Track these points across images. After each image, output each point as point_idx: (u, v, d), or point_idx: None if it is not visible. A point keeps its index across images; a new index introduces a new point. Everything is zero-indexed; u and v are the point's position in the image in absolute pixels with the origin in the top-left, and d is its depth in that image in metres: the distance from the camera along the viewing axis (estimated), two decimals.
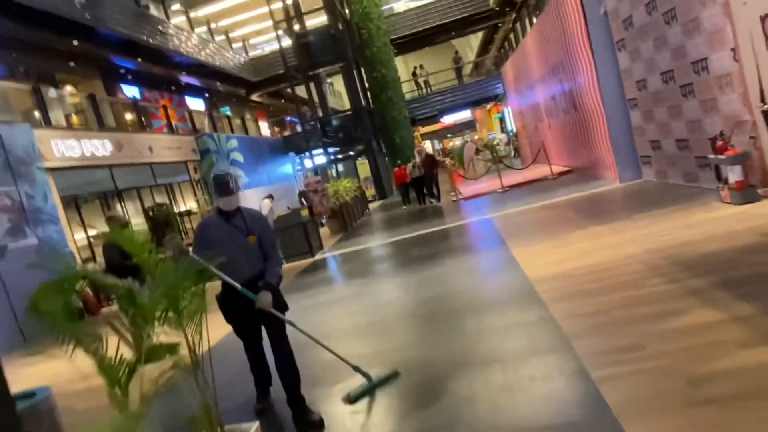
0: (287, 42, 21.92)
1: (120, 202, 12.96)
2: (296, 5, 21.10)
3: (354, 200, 14.80)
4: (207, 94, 24.48)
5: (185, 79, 21.60)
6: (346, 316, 5.50)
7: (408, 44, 25.65)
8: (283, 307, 3.31)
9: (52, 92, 13.06)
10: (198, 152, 16.98)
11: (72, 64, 15.45)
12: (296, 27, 20.99)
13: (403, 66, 37.30)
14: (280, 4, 20.52)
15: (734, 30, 5.28)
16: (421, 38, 25.25)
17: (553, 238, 6.28)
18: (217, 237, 3.15)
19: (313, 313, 5.85)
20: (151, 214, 13.42)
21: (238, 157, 19.29)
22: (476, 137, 43.78)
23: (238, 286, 3.10)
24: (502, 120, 30.56)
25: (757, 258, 3.87)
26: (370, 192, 20.29)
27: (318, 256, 9.94)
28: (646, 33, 7.34)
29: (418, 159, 12.72)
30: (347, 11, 22.49)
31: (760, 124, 5.26)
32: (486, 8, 23.46)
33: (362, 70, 22.73)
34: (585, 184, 10.27)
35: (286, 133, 26.91)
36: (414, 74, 27.86)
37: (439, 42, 26.75)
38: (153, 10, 18.93)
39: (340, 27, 20.24)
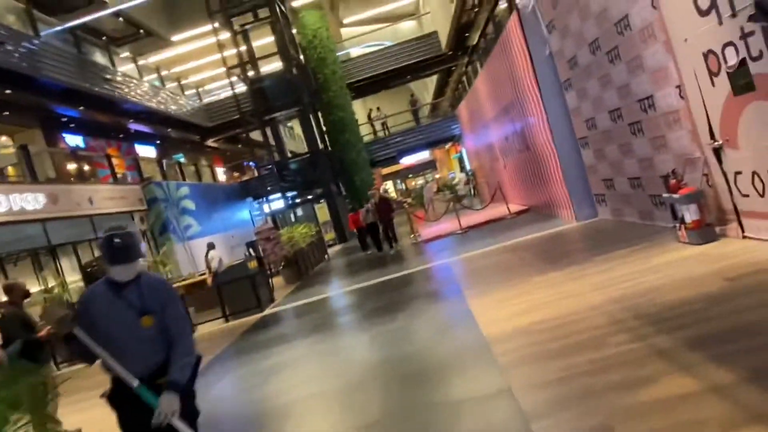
0: (242, 87, 21.72)
1: (54, 259, 11.95)
2: (250, 51, 21.01)
3: (311, 246, 14.23)
4: (159, 141, 23.73)
5: (134, 126, 20.88)
6: (289, 383, 4.89)
7: (365, 88, 25.83)
8: (193, 415, 2.48)
9: None
10: (145, 202, 16.14)
11: (6, 113, 14.55)
12: (251, 73, 20.83)
13: (362, 109, 37.80)
14: (233, 51, 20.35)
15: (678, 67, 5.20)
16: (378, 82, 25.50)
17: (512, 285, 5.91)
18: (100, 315, 2.37)
19: (257, 379, 5.22)
20: (88, 270, 12.46)
21: (190, 204, 18.50)
22: (437, 176, 44.45)
23: (134, 382, 2.31)
24: (460, 159, 30.93)
25: (725, 307, 3.56)
26: (330, 236, 19.75)
27: (268, 311, 9.25)
28: (591, 72, 7.32)
29: (372, 202, 12.25)
30: (302, 57, 22.55)
31: (711, 161, 5.12)
32: (439, 53, 24.01)
33: (319, 113, 22.65)
34: (542, 223, 10.10)
35: (246, 178, 26.25)
36: (369, 116, 28.03)
37: (395, 85, 27.10)
38: (99, 58, 18.36)
39: (295, 72, 20.17)
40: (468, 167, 26.48)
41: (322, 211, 20.30)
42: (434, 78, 31.07)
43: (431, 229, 14.22)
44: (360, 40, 27.29)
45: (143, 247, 2.42)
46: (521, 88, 10.08)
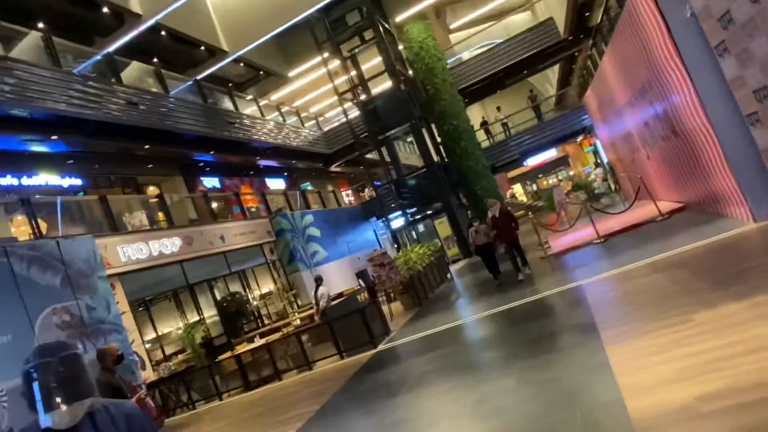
0: (356, 111, 22.05)
1: (192, 296, 12.82)
2: (360, 75, 21.22)
3: (430, 267, 13.46)
4: (286, 173, 25.06)
5: (263, 162, 22.25)
6: None
7: (478, 91, 24.58)
8: None
9: (117, 199, 13.65)
10: (273, 233, 16.87)
11: (150, 165, 16.30)
12: (363, 96, 20.99)
13: (480, 113, 36.32)
14: (345, 77, 20.71)
15: None
16: (492, 83, 24.07)
17: (665, 325, 4.45)
18: None
19: None
20: (224, 304, 13.17)
21: (315, 232, 18.98)
22: (571, 173, 40.80)
23: None
24: (595, 153, 27.84)
25: None
26: (453, 252, 18.78)
27: (383, 346, 8.64)
28: (756, 27, 5.50)
29: (488, 217, 10.45)
30: (410, 71, 22.17)
31: None
32: (557, 40, 21.85)
33: (432, 125, 22.00)
34: (705, 226, 8.06)
35: (366, 199, 26.59)
36: (484, 123, 26.53)
37: (511, 83, 25.36)
38: (226, 103, 19.87)
39: (402, 87, 19.79)
40: (604, 160, 23.60)
41: (443, 225, 19.43)
42: (556, 69, 28.59)
43: (563, 239, 12.53)
44: (469, 42, 26.11)
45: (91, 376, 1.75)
46: (658, 64, 8.24)
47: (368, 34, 20.76)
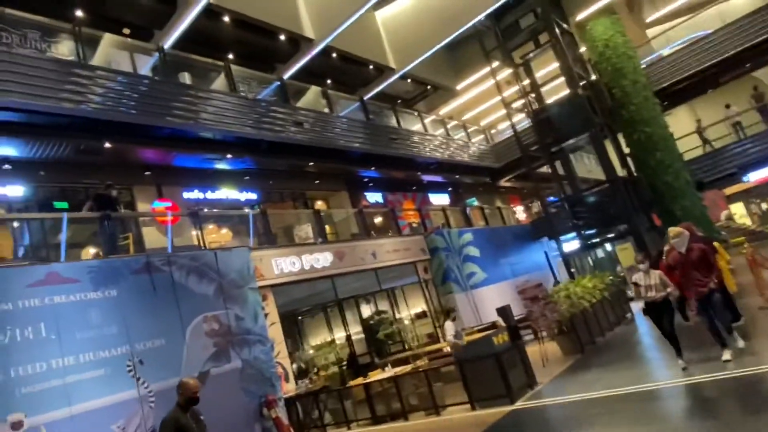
0: (527, 122, 20.35)
1: (340, 312, 12.84)
2: (533, 82, 19.48)
3: (601, 304, 11.23)
4: (450, 188, 24.37)
5: (427, 177, 21.93)
6: None
7: (682, 92, 20.49)
8: None
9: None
10: (428, 251, 16.24)
11: (317, 181, 17.13)
12: (535, 105, 19.21)
13: (689, 117, 30.59)
14: (516, 87, 19.24)
15: None
16: (701, 81, 19.81)
17: None
18: None
19: None
20: (370, 322, 12.92)
21: (474, 251, 17.78)
22: None
23: None
24: None
25: None
26: None
27: (523, 403, 7.14)
28: None
29: (666, 249, 7.75)
30: (593, 75, 19.56)
31: None
32: None
33: (619, 134, 19.02)
34: None
35: (536, 217, 24.31)
36: (699, 129, 21.85)
37: (727, 81, 20.55)
38: (392, 120, 20.06)
39: (580, 92, 17.45)
40: None
41: (627, 252, 16.40)
42: None
43: None
44: (671, 36, 22.04)
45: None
46: None
47: (543, 38, 18.95)
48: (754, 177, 20.81)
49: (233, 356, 9.34)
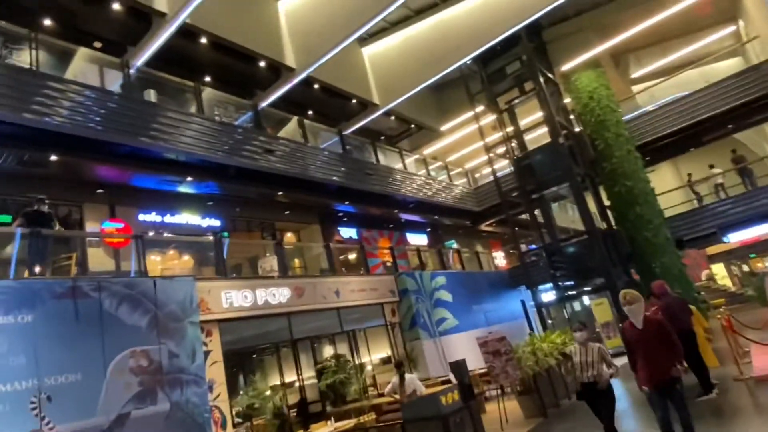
0: (508, 169, 20.12)
1: (294, 353, 11.94)
2: (516, 129, 19.34)
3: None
4: (429, 229, 23.85)
5: (405, 216, 21.42)
6: None
7: (665, 149, 20.44)
8: None
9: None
10: (397, 293, 15.52)
11: (287, 212, 16.50)
12: (517, 153, 18.99)
13: (671, 175, 30.70)
14: (500, 134, 19.05)
15: None
16: (683, 139, 19.78)
17: None
18: None
19: None
20: (324, 368, 12.04)
21: (446, 296, 17.10)
22: None
23: None
24: None
25: None
26: (613, 343, 14.97)
27: None
28: None
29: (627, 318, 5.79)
30: (577, 127, 19.51)
31: None
32: None
33: (599, 186, 18.82)
34: None
35: (514, 264, 23.78)
36: (690, 181, 21.55)
37: (710, 140, 20.59)
38: (373, 157, 19.68)
39: (561, 141, 17.26)
40: None
41: (602, 308, 15.80)
42: None
43: None
44: (655, 94, 22.22)
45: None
46: None
47: (528, 86, 18.94)
48: (734, 238, 20.54)
49: (161, 398, 8.43)
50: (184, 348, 9.09)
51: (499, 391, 9.49)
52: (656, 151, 20.05)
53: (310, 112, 18.77)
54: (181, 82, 12.97)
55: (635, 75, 23.51)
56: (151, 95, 12.00)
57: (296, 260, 17.13)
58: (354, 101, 18.69)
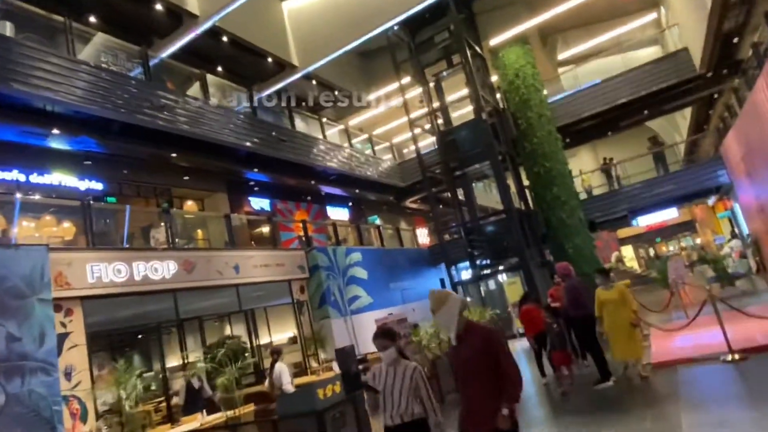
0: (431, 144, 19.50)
1: (180, 336, 10.68)
2: (442, 103, 18.67)
3: None
4: (351, 203, 22.94)
5: (325, 188, 20.33)
6: None
7: (585, 132, 20.68)
8: None
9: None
10: (307, 269, 14.53)
11: (187, 177, 14.90)
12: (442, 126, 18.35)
13: (591, 159, 31.68)
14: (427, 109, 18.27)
15: None
16: (603, 123, 20.06)
17: None
18: None
19: None
20: (215, 349, 10.83)
21: (361, 273, 16.36)
22: (699, 242, 33.90)
23: None
24: (732, 220, 22.22)
25: None
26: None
27: None
28: None
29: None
30: (502, 104, 19.16)
31: None
32: (691, 76, 17.50)
33: (519, 166, 18.69)
34: None
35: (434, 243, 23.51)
36: (605, 163, 22.06)
37: (627, 126, 21.07)
38: (286, 122, 18.35)
39: (485, 117, 16.79)
40: (745, 231, 18.31)
41: (515, 287, 15.72)
42: (687, 114, 23.67)
43: (675, 342, 8.54)
44: (579, 78, 22.37)
45: None
46: None
47: (457, 59, 18.25)
48: (643, 222, 21.34)
49: None
50: (28, 330, 7.61)
51: None
52: (577, 133, 20.22)
53: (219, 69, 17.02)
54: (49, 16, 10.93)
55: (562, 56, 23.56)
56: (7, 28, 9.98)
57: (199, 231, 15.66)
58: (270, 60, 17.14)
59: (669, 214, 22.68)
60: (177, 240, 14.17)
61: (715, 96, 19.17)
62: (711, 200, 23.05)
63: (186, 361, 10.45)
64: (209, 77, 15.71)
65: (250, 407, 7.33)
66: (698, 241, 33.65)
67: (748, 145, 11.62)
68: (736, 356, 6.63)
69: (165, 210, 11.30)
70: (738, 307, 7.60)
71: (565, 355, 6.74)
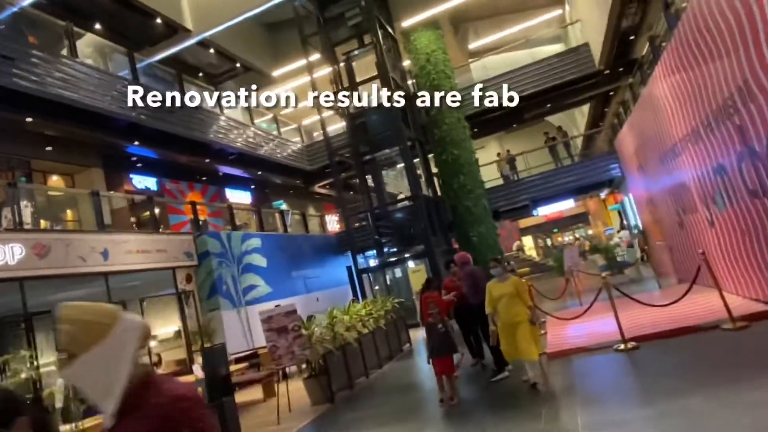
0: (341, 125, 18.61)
1: (28, 333, 8.97)
2: (352, 83, 17.78)
3: (375, 334, 9.49)
4: (255, 186, 21.46)
5: (224, 168, 18.70)
6: None
7: (492, 122, 20.87)
8: None
9: None
10: (195, 256, 13.09)
11: (50, 148, 12.75)
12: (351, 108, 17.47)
13: (496, 148, 32.54)
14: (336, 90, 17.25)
15: None
16: (509, 114, 20.33)
17: None
18: None
19: None
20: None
21: (259, 261, 15.15)
22: (590, 232, 36.41)
23: None
24: (621, 212, 23.75)
25: None
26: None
27: None
28: None
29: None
30: (414, 88, 18.70)
31: None
32: (591, 71, 18.18)
33: (428, 153, 18.41)
34: None
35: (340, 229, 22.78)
36: (509, 153, 22.48)
37: (531, 118, 21.63)
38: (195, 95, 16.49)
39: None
40: (633, 222, 19.52)
41: (419, 275, 15.41)
42: (586, 112, 24.91)
43: (570, 330, 8.48)
44: (488, 68, 22.59)
45: None
46: (750, 75, 4.42)
47: (368, 40, 17.45)
48: (542, 212, 22.09)
49: None
50: None
51: (281, 375, 8.01)
52: (484, 123, 20.32)
53: (98, 27, 14.82)
54: None
55: (472, 46, 23.66)
56: None
57: (69, 212, 13.58)
58: (159, 21, 15.22)
59: (566, 205, 23.71)
60: (41, 220, 12.16)
61: (611, 93, 20.18)
62: (603, 193, 24.47)
63: (36, 363, 8.77)
64: (89, 37, 13.64)
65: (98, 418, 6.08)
66: (590, 231, 36.02)
67: (641, 138, 12.05)
68: (629, 345, 6.55)
69: (11, 184, 9.37)
70: (629, 294, 7.60)
71: (447, 364, 6.07)
